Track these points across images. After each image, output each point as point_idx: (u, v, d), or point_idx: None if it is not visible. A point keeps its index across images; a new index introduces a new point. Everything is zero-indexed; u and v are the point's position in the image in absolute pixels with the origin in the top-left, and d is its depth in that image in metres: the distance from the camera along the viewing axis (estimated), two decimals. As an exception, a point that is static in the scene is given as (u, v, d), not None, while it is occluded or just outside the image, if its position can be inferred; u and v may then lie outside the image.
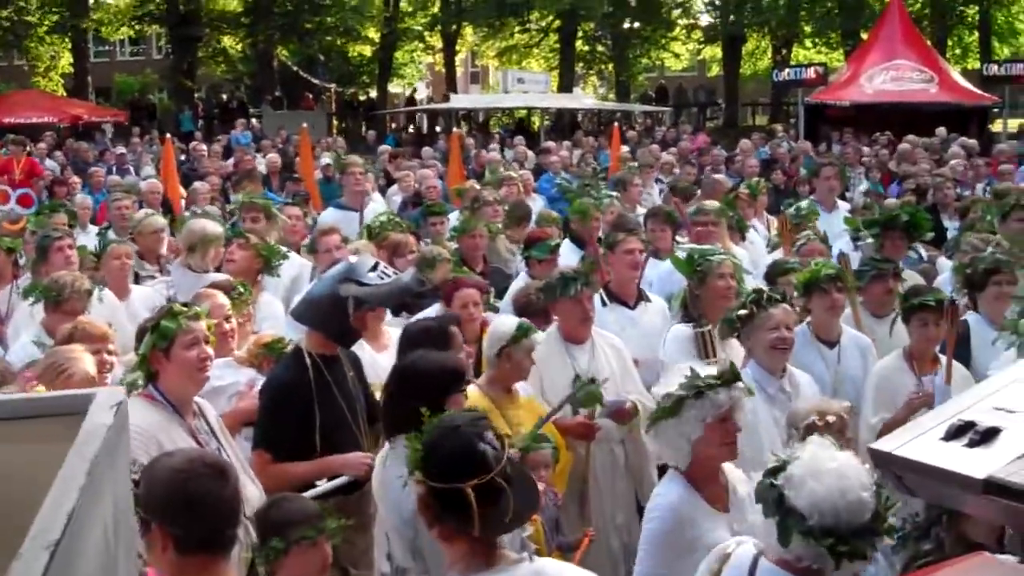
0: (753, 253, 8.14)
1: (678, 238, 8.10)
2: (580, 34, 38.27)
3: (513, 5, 35.64)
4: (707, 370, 3.83)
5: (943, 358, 5.51)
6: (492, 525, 2.70)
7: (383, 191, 12.81)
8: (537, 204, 11.60)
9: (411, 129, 35.42)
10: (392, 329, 5.81)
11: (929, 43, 29.84)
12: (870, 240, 6.87)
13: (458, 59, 42.91)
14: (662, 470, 5.22)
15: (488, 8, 36.84)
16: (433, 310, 5.86)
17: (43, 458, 1.44)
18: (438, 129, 31.63)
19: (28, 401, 1.67)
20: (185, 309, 4.23)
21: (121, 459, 1.57)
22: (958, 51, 36.72)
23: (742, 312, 5.06)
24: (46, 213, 9.38)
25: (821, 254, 7.08)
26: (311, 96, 35.97)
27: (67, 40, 37.10)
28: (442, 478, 2.72)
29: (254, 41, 36.28)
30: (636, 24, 38.41)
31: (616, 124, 19.81)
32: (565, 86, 36.50)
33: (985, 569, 1.95)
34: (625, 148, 17.33)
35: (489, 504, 2.66)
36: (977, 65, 32.27)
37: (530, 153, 18.29)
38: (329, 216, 9.28)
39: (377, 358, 5.39)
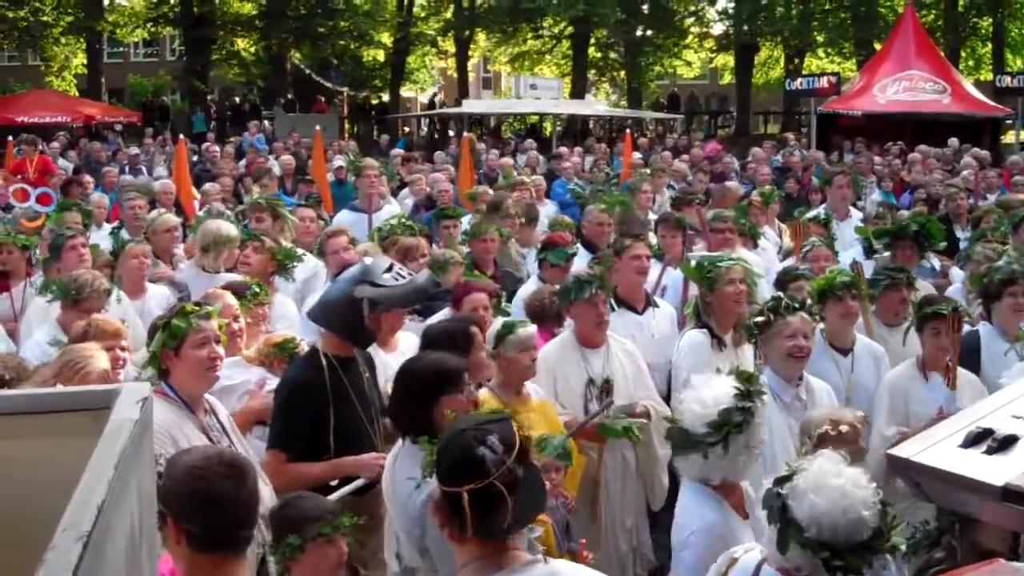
0: (765, 260, 8.16)
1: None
2: (593, 41, 38.28)
3: (526, 11, 35.66)
4: (725, 381, 3.81)
5: (959, 370, 5.52)
6: (488, 530, 2.69)
7: (395, 194, 12.82)
8: (549, 209, 11.64)
9: (422, 133, 35.49)
10: (403, 332, 5.83)
11: (942, 54, 29.79)
12: (886, 253, 6.86)
13: (470, 64, 42.96)
14: (671, 474, 5.24)
15: (501, 14, 36.89)
16: (442, 314, 5.88)
17: (70, 451, 1.46)
18: (451, 134, 31.66)
19: (55, 395, 1.68)
20: (197, 308, 4.25)
21: (146, 454, 1.59)
22: (971, 62, 36.67)
23: (760, 319, 5.06)
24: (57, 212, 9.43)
25: (827, 259, 7.10)
26: (323, 99, 36.06)
27: (81, 41, 37.25)
28: (445, 481, 2.75)
29: (267, 44, 36.38)
30: (649, 32, 38.41)
31: (628, 131, 19.82)
32: (577, 92, 36.51)
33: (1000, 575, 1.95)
34: (637, 155, 17.34)
35: (486, 509, 2.65)
36: (990, 77, 32.22)
37: (541, 158, 18.32)
38: (343, 218, 9.31)
39: (388, 360, 5.40)
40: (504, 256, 8.26)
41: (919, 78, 25.63)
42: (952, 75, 27.01)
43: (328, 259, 7.35)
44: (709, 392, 3.72)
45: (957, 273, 7.90)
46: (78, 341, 4.92)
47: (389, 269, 4.61)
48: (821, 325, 5.73)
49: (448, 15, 38.88)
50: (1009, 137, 27.33)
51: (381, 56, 39.55)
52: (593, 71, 40.36)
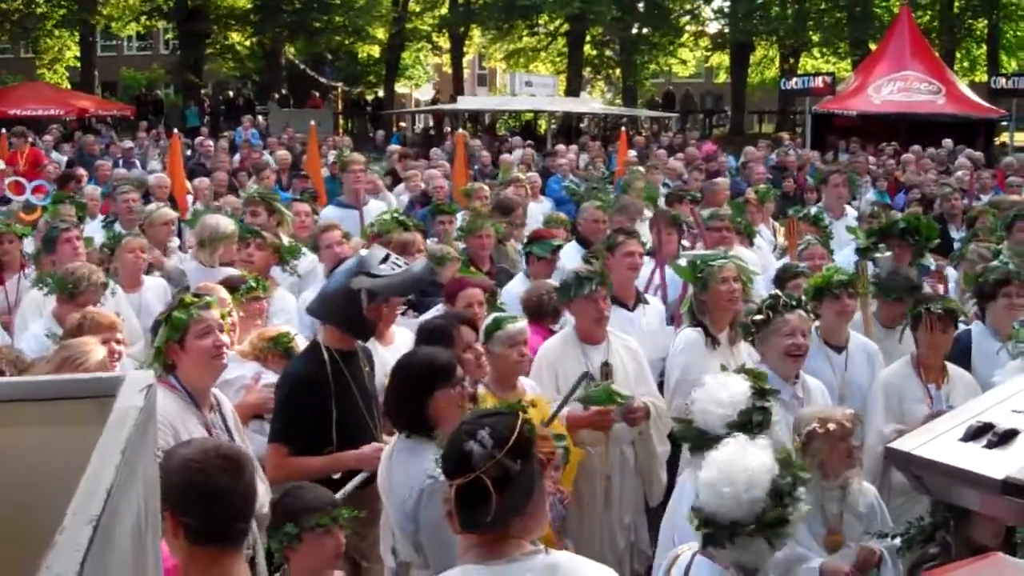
0: (761, 258, 8.17)
1: (684, 243, 8.13)
2: (588, 38, 38.28)
3: (522, 8, 35.65)
4: (738, 380, 3.82)
5: (952, 368, 5.55)
6: (472, 523, 2.73)
7: (390, 189, 12.83)
8: (545, 207, 11.65)
9: (417, 129, 35.50)
10: (397, 327, 5.85)
11: (937, 55, 29.89)
12: (888, 253, 6.88)
13: (465, 61, 42.95)
14: (671, 470, 5.26)
15: (497, 10, 36.87)
16: (437, 309, 5.89)
17: (74, 438, 1.47)
18: (448, 130, 31.66)
19: (59, 383, 1.68)
20: (197, 299, 4.27)
21: (150, 441, 1.59)
22: (966, 64, 36.78)
23: (758, 317, 5.07)
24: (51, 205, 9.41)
25: (822, 258, 7.12)
26: (318, 95, 36.02)
27: (75, 33, 37.15)
28: (444, 474, 2.84)
29: (262, 39, 36.31)
30: (644, 30, 38.45)
31: (623, 128, 19.85)
32: (572, 90, 36.53)
33: (999, 569, 1.97)
34: (632, 153, 17.36)
35: (470, 502, 2.69)
36: (985, 78, 32.31)
37: (535, 155, 18.34)
38: (329, 214, 9.31)
39: (384, 354, 5.41)
40: (501, 253, 8.27)
41: (914, 79, 25.71)
42: (947, 76, 27.10)
43: (322, 254, 7.36)
44: (725, 392, 3.73)
45: (951, 273, 7.93)
46: (73, 334, 4.92)
47: (385, 259, 4.61)
48: (816, 323, 5.76)
49: (443, 11, 38.85)
50: (1003, 138, 27.41)
51: (376, 52, 39.51)
52: (588, 69, 40.37)
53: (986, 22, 35.78)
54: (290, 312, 6.53)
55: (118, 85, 42.30)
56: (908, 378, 5.48)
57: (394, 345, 5.44)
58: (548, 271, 7.11)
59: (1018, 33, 36.86)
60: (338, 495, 4.06)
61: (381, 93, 39.28)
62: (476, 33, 40.85)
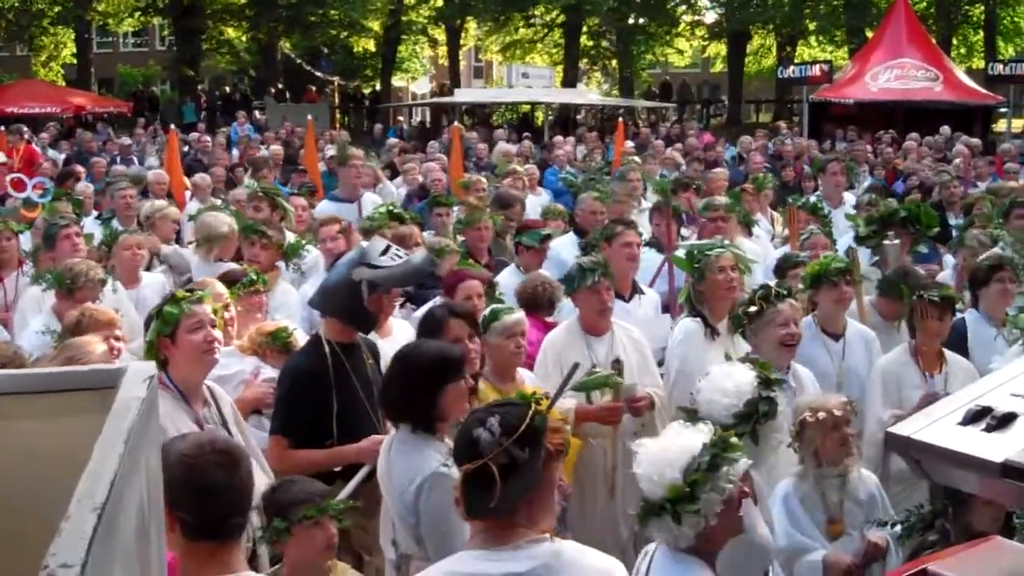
0: (761, 247, 8.18)
1: (683, 231, 8.13)
2: (585, 29, 38.27)
3: (518, 0, 35.64)
4: (743, 370, 3.83)
5: (949, 355, 5.57)
6: (477, 510, 2.77)
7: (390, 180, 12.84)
8: (543, 199, 11.65)
9: (414, 123, 35.48)
10: (395, 320, 5.86)
11: (934, 42, 29.85)
12: (896, 241, 6.89)
13: (461, 53, 42.91)
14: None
15: (492, 2, 36.83)
16: (434, 302, 5.89)
17: (78, 428, 1.47)
18: (445, 124, 31.64)
19: (61, 375, 1.69)
20: (188, 294, 4.25)
21: (153, 431, 1.60)
22: (963, 50, 36.76)
23: (751, 308, 5.08)
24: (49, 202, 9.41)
25: (825, 247, 7.12)
26: (314, 89, 35.99)
27: (70, 30, 37.09)
28: (454, 459, 2.89)
29: (257, 34, 36.26)
30: (641, 20, 38.41)
31: (621, 119, 19.86)
32: (569, 81, 36.50)
33: (998, 552, 1.98)
34: (629, 144, 17.35)
35: (477, 488, 2.73)
36: (982, 64, 32.30)
37: (532, 147, 18.33)
38: (325, 208, 9.31)
39: (382, 346, 5.42)
40: (499, 246, 8.27)
41: (911, 66, 25.68)
42: (944, 63, 27.07)
43: (322, 248, 7.38)
44: (731, 382, 3.74)
45: (949, 260, 7.95)
46: (71, 330, 4.93)
47: (386, 251, 4.60)
48: (809, 318, 5.78)
49: (439, 3, 38.81)
50: (1000, 125, 27.40)
51: (371, 45, 39.47)
52: (585, 60, 40.35)
53: (983, 8, 35.75)
54: (291, 307, 6.54)
55: (114, 82, 42.23)
56: (906, 365, 5.50)
57: (392, 337, 5.45)
58: (539, 261, 7.12)
59: (1015, 19, 36.83)
60: (343, 493, 4.07)
61: (378, 87, 39.25)
62: (472, 25, 40.82)
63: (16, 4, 34.94)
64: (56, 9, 35.94)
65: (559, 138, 19.20)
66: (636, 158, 12.35)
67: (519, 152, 16.65)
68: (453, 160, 13.61)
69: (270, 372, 5.03)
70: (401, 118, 35.93)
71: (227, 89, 37.49)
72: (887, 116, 23.78)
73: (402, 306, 6.72)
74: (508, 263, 8.01)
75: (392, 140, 19.79)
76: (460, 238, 7.92)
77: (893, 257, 6.75)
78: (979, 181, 13.23)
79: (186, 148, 18.37)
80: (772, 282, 6.46)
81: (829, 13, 36.03)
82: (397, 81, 42.75)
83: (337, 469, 4.46)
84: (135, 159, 18.72)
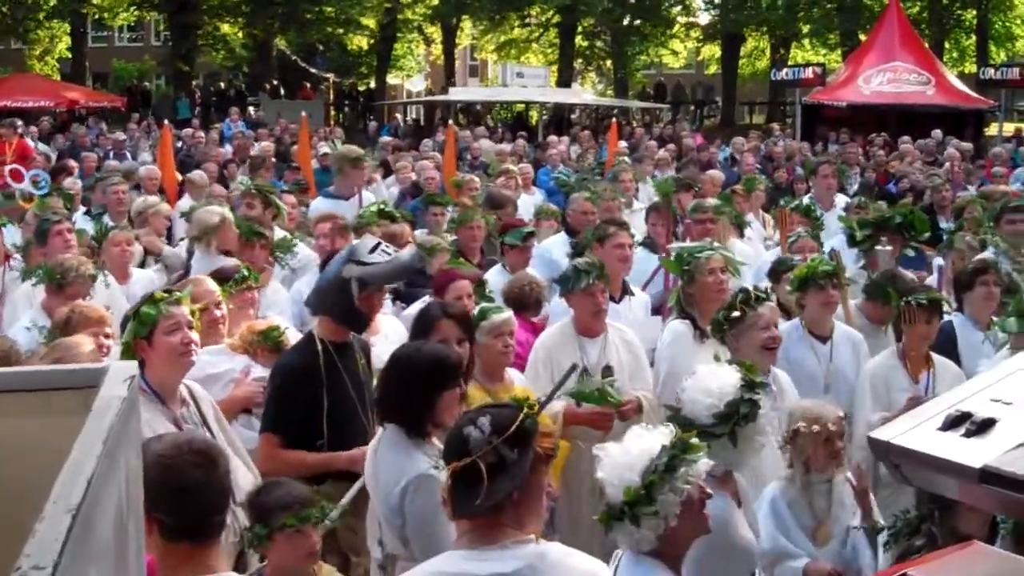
0: (753, 249, 8.20)
1: (677, 232, 8.15)
2: (580, 29, 38.27)
3: (513, -1, 35.68)
4: (729, 371, 3.83)
5: (936, 358, 5.59)
6: (464, 508, 2.79)
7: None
8: (537, 198, 11.65)
9: (409, 120, 35.47)
10: (384, 316, 5.85)
11: (927, 46, 29.93)
12: (888, 247, 6.91)
13: (457, 52, 42.90)
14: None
15: (488, 1, 36.83)
16: (424, 301, 5.88)
17: (60, 428, 1.47)
18: (439, 121, 31.60)
19: (42, 374, 1.69)
20: (166, 295, 4.22)
21: (133, 431, 1.60)
22: (955, 54, 36.81)
23: (733, 313, 5.07)
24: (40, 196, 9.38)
25: (812, 250, 7.14)
26: (309, 86, 35.94)
27: (65, 24, 36.98)
28: (444, 459, 2.92)
29: (253, 30, 36.19)
30: (635, 21, 38.42)
31: (615, 119, 19.87)
32: (564, 81, 36.51)
33: (978, 557, 1.99)
34: (623, 144, 17.37)
35: (464, 486, 2.76)
36: (974, 69, 32.35)
37: (526, 146, 18.35)
38: (320, 205, 9.30)
39: (369, 342, 5.41)
40: (491, 246, 8.26)
41: (903, 69, 25.74)
42: (936, 67, 27.14)
43: (316, 246, 7.39)
44: (715, 382, 3.74)
45: (938, 262, 7.97)
46: (61, 327, 4.91)
47: (375, 248, 4.59)
48: (796, 320, 5.80)
49: (435, 2, 38.78)
50: (992, 129, 27.46)
51: (367, 44, 39.43)
52: (580, 60, 40.35)
53: (975, 13, 35.84)
54: (282, 305, 6.54)
55: (109, 76, 42.12)
56: (894, 369, 5.52)
57: (381, 334, 5.45)
58: (524, 260, 7.11)
59: (1007, 24, 36.94)
60: (342, 500, 4.05)
61: (373, 84, 39.22)
62: (467, 24, 40.81)
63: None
64: (51, 3, 35.84)
65: (553, 138, 19.21)
66: (626, 159, 12.35)
67: (513, 151, 16.66)
68: (447, 159, 13.61)
69: (261, 371, 5.00)
70: (399, 115, 35.94)
71: (222, 85, 37.43)
72: (879, 119, 23.85)
73: (393, 302, 6.73)
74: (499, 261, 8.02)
75: (385, 138, 19.74)
76: (452, 237, 7.91)
77: (884, 261, 6.77)
78: (969, 184, 13.28)
79: (179, 144, 18.34)
80: (764, 284, 6.51)
81: (823, 16, 36.08)
82: (392, 79, 42.71)
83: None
84: (128, 154, 18.68)
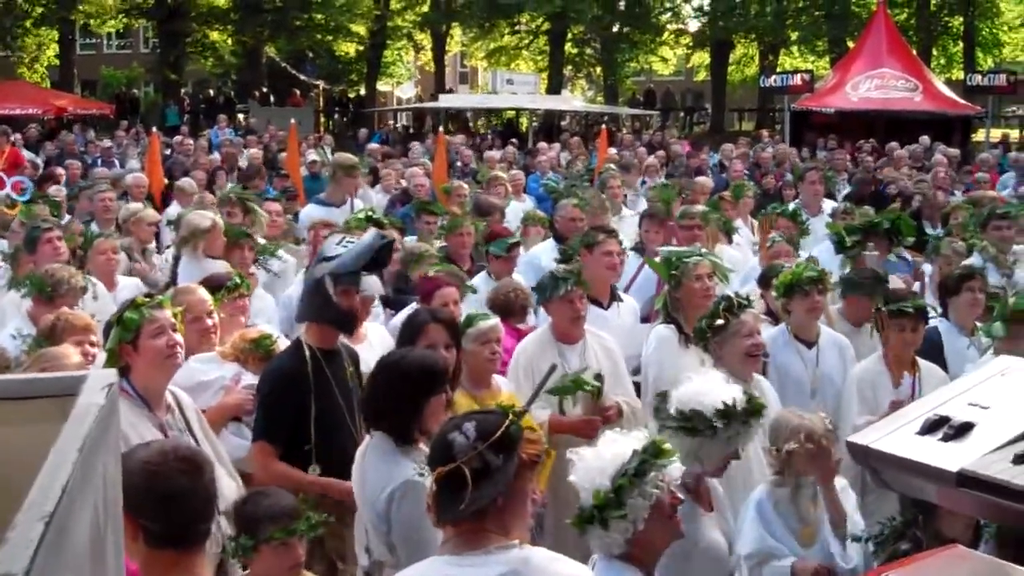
0: (742, 254, 8.22)
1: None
2: (569, 37, 38.35)
3: (503, 6, 35.67)
4: (716, 386, 3.86)
5: (922, 362, 5.61)
6: (448, 513, 2.80)
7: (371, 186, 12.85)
8: (527, 205, 11.67)
9: (399, 127, 35.48)
10: (370, 324, 5.87)
11: (914, 52, 30.08)
12: (875, 253, 6.95)
13: (447, 59, 42.94)
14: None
15: (478, 9, 36.89)
16: (411, 307, 5.89)
17: (38, 436, 1.46)
18: (429, 129, 31.61)
19: (21, 382, 1.69)
20: (148, 300, 4.22)
21: (112, 439, 1.60)
22: (943, 61, 37.00)
23: (717, 321, 5.08)
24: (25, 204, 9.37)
25: (788, 255, 7.17)
26: (298, 93, 35.93)
27: (54, 31, 36.92)
28: (429, 465, 2.93)
29: (242, 37, 36.17)
30: (625, 28, 38.50)
31: (604, 127, 19.91)
32: (554, 88, 36.57)
33: (958, 559, 2.00)
34: (612, 150, 17.40)
35: (449, 492, 2.77)
36: (961, 75, 32.49)
37: (516, 153, 18.37)
38: (312, 212, 9.30)
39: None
40: (481, 253, 8.26)
41: (891, 76, 25.85)
42: (923, 73, 27.27)
43: (309, 253, 7.42)
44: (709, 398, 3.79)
45: (927, 269, 8.00)
46: (45, 335, 4.90)
47: (340, 242, 4.66)
48: (782, 326, 5.81)
49: (425, 9, 38.83)
50: (979, 135, 27.59)
51: (356, 51, 39.44)
52: (570, 67, 40.45)
53: (962, 20, 36.02)
54: (269, 312, 6.55)
55: (98, 84, 42.04)
56: (880, 374, 5.54)
57: (367, 342, 5.45)
58: (509, 268, 7.11)
59: (993, 30, 37.14)
60: None
61: (363, 91, 39.23)
62: (457, 31, 40.86)
63: (-1, 4, 34.77)
64: (39, 10, 35.77)
65: (542, 144, 19.24)
66: (613, 166, 12.37)
67: (503, 158, 16.68)
68: (437, 166, 13.61)
69: (251, 378, 4.99)
70: (391, 122, 35.96)
71: (211, 92, 37.40)
72: (867, 125, 23.94)
73: (384, 309, 6.75)
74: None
75: (373, 145, 19.74)
76: (441, 243, 7.91)
77: (872, 267, 6.79)
78: (955, 190, 13.34)
79: (168, 151, 18.31)
80: (752, 289, 6.53)
81: (811, 23, 36.24)
82: (382, 86, 42.73)
83: (316, 474, 4.45)
84: (116, 162, 18.65)
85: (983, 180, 13.68)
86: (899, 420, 1.97)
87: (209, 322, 5.16)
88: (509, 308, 5.99)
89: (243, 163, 15.18)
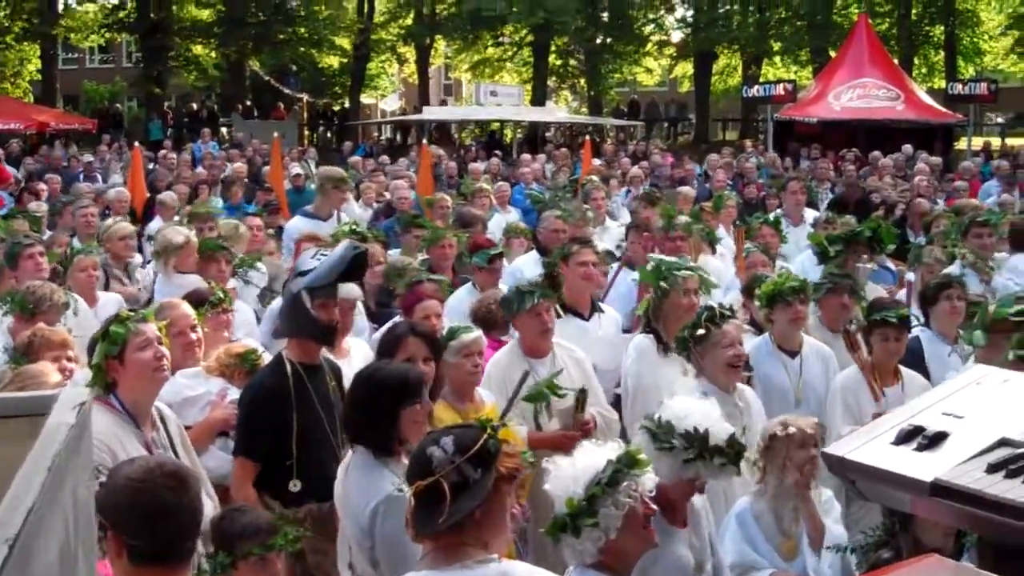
0: (725, 265, 8.24)
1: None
2: (553, 48, 38.38)
3: (487, 19, 35.71)
4: (698, 405, 3.87)
5: (904, 371, 5.63)
6: (426, 526, 2.81)
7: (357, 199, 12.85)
8: (512, 216, 11.67)
9: (383, 140, 35.49)
10: (353, 340, 5.86)
11: (896, 62, 30.24)
12: (869, 266, 6.98)
13: (431, 71, 42.97)
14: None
15: (462, 21, 36.93)
16: (395, 321, 5.88)
17: (8, 456, 1.46)
18: (413, 142, 31.60)
19: (-9, 401, 1.68)
20: (132, 314, 4.23)
21: (83, 457, 1.59)
22: (924, 70, 37.17)
23: (699, 331, 5.08)
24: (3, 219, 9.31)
25: (764, 265, 7.20)
26: (282, 106, 35.89)
27: (36, 46, 36.81)
28: (407, 480, 2.94)
29: (226, 51, 36.12)
30: (609, 39, 38.60)
31: (588, 138, 19.94)
32: (538, 99, 36.62)
33: (935, 570, 2.00)
34: (598, 161, 17.45)
35: (427, 506, 2.79)
36: (943, 84, 32.68)
37: (501, 165, 18.38)
38: (298, 225, 9.28)
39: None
40: (464, 265, 8.25)
41: (873, 85, 25.98)
42: (905, 82, 27.41)
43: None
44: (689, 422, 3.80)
45: (910, 277, 8.02)
46: (22, 351, 4.88)
47: (314, 256, 4.70)
48: (765, 336, 5.82)
49: (408, 22, 38.86)
50: (961, 143, 27.74)
51: (337, 63, 39.44)
52: (554, 78, 40.48)
53: (943, 29, 36.23)
54: (250, 325, 6.53)
55: (80, 98, 41.92)
56: (863, 384, 5.55)
57: (349, 358, 5.44)
58: (494, 279, 7.09)
59: (975, 39, 37.36)
60: None
61: (347, 104, 39.23)
62: (441, 44, 40.90)
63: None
64: (21, 25, 35.65)
65: (526, 156, 19.27)
66: (595, 177, 12.39)
67: (487, 170, 16.70)
68: (422, 178, 13.61)
69: (237, 394, 4.99)
70: (376, 134, 35.92)
71: (194, 106, 37.31)
72: (850, 135, 24.05)
73: (371, 322, 6.74)
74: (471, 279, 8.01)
75: (355, 158, 19.72)
76: (424, 256, 7.91)
77: (862, 278, 6.80)
78: (937, 199, 13.42)
79: (152, 165, 18.26)
80: (735, 297, 6.54)
81: (793, 34, 36.35)
82: (366, 98, 42.72)
83: (295, 490, 4.44)
84: (99, 176, 18.59)
85: (962, 188, 13.77)
86: (875, 430, 1.98)
87: (193, 336, 5.15)
88: (491, 320, 5.97)
89: (230, 175, 15.14)
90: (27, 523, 1.15)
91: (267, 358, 5.16)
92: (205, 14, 37.72)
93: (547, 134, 33.48)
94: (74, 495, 1.48)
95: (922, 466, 1.82)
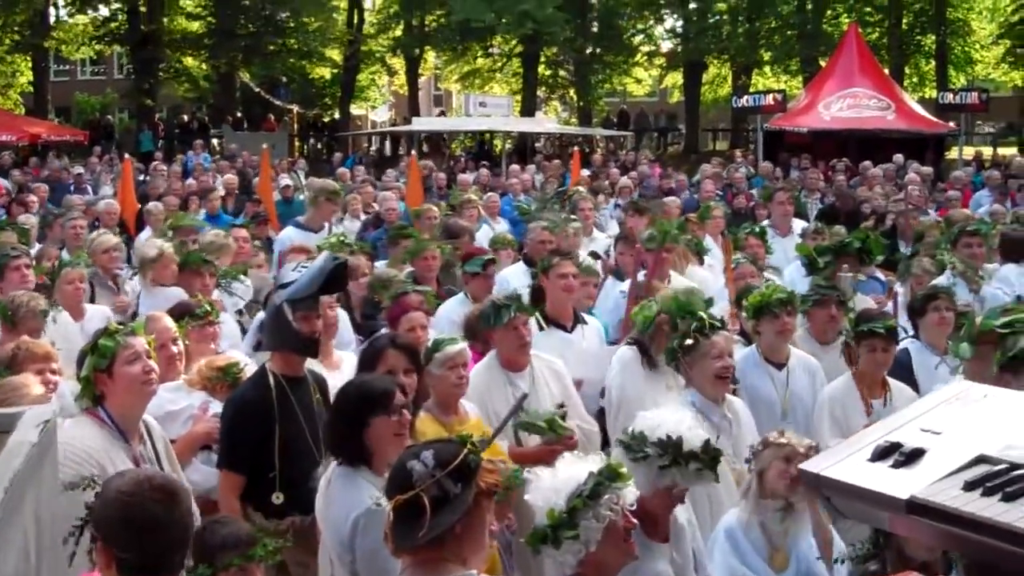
0: (713, 276, 8.23)
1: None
2: (543, 59, 38.44)
3: (476, 30, 35.77)
4: (671, 414, 3.86)
5: (892, 382, 5.62)
6: (405, 540, 2.81)
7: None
8: (502, 227, 11.67)
9: (373, 151, 35.51)
10: (345, 353, 5.84)
11: (886, 71, 30.30)
12: (861, 278, 6.99)
13: (420, 82, 43.01)
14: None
15: (451, 32, 36.99)
16: (381, 333, 5.85)
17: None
18: (402, 152, 31.62)
19: (-45, 419, 1.66)
20: (121, 327, 4.24)
21: (47, 475, 1.57)
22: (915, 79, 37.27)
23: (687, 342, 5.06)
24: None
25: (752, 276, 7.20)
26: (272, 117, 35.91)
27: (27, 58, 36.80)
28: (386, 494, 2.95)
29: (216, 63, 36.14)
30: (598, 50, 38.68)
31: (577, 148, 19.97)
32: (527, 110, 36.65)
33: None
34: (585, 172, 17.46)
35: (406, 520, 2.79)
36: (934, 94, 32.76)
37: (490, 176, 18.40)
38: (291, 236, 9.27)
39: (328, 378, 5.38)
40: (449, 276, 8.24)
41: (863, 95, 26.00)
42: (896, 92, 27.44)
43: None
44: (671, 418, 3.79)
45: (898, 288, 8.02)
46: (6, 363, 4.87)
47: (295, 268, 4.71)
48: (752, 348, 5.81)
49: (398, 33, 38.91)
50: (953, 153, 27.81)
51: (327, 74, 39.49)
52: (543, 89, 40.54)
53: (934, 38, 36.35)
54: (235, 336, 6.53)
55: (72, 110, 41.90)
56: (851, 396, 5.54)
57: (340, 371, 5.43)
58: (488, 287, 7.06)
59: (966, 49, 37.48)
60: None
61: (337, 115, 39.25)
62: (431, 55, 40.94)
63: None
64: (12, 37, 35.63)
65: (514, 167, 19.28)
66: (581, 188, 12.40)
67: (476, 181, 16.70)
68: (411, 189, 13.61)
69: (219, 407, 4.97)
70: (367, 145, 35.93)
71: (185, 118, 37.31)
72: (840, 145, 24.07)
73: (357, 333, 6.73)
74: (458, 292, 7.99)
75: (342, 170, 19.70)
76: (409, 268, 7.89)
77: (846, 289, 6.80)
78: (928, 209, 13.45)
79: (143, 177, 18.25)
80: (724, 307, 6.54)
81: (783, 43, 36.44)
82: (356, 109, 42.74)
83: (278, 502, 4.42)
84: (89, 188, 18.56)
85: (954, 198, 13.79)
86: (851, 447, 1.96)
87: (174, 349, 5.17)
88: (479, 331, 5.96)
89: (220, 189, 15.12)
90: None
91: (250, 370, 5.15)
92: (196, 26, 37.74)
93: (537, 144, 33.51)
94: (36, 513, 1.46)
95: (898, 483, 1.80)
